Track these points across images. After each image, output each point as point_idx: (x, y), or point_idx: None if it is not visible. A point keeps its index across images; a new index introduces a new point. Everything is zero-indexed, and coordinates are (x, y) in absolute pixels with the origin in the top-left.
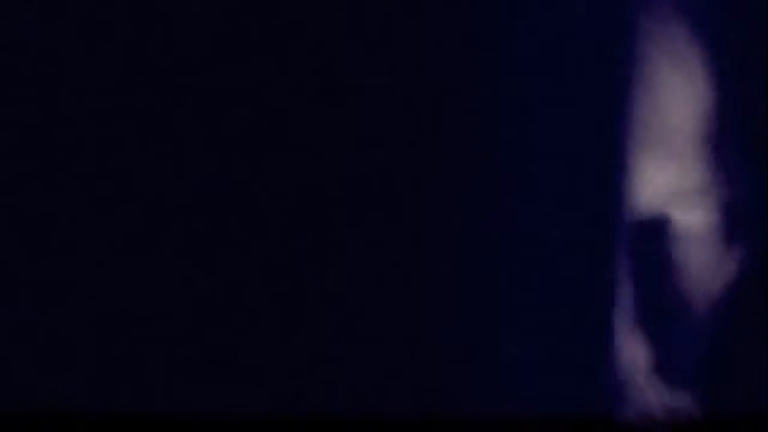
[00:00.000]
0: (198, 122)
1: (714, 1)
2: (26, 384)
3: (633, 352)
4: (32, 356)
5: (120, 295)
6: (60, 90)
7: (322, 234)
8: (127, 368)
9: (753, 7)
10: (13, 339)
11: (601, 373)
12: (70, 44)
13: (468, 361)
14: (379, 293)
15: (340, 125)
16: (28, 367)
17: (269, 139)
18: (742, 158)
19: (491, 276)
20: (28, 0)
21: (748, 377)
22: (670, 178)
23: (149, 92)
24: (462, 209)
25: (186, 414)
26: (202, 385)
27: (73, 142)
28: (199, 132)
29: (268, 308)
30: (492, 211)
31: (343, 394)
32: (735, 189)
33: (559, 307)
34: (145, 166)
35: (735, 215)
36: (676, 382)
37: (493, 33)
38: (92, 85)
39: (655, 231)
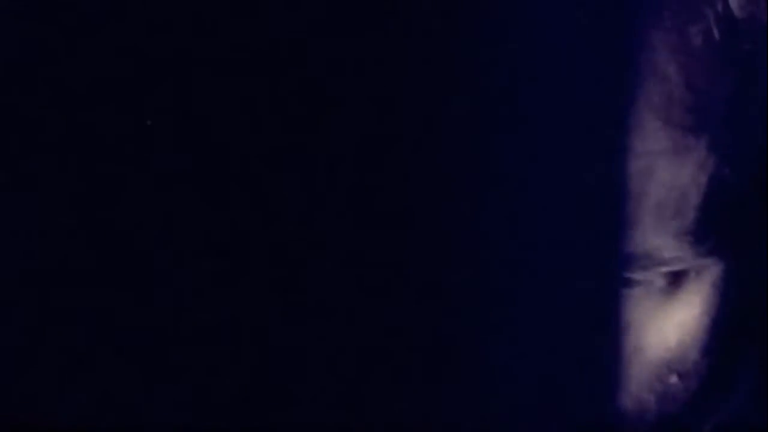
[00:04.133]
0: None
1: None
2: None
3: (651, 351)
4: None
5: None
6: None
7: (319, 232)
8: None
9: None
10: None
11: (619, 373)
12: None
13: (467, 369)
14: (375, 296)
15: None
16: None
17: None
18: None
19: (491, 278)
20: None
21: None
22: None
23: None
24: (460, 210)
25: (183, 423)
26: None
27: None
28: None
29: (252, 309)
30: (491, 211)
31: (334, 401)
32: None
33: (573, 305)
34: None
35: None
36: (686, 391)
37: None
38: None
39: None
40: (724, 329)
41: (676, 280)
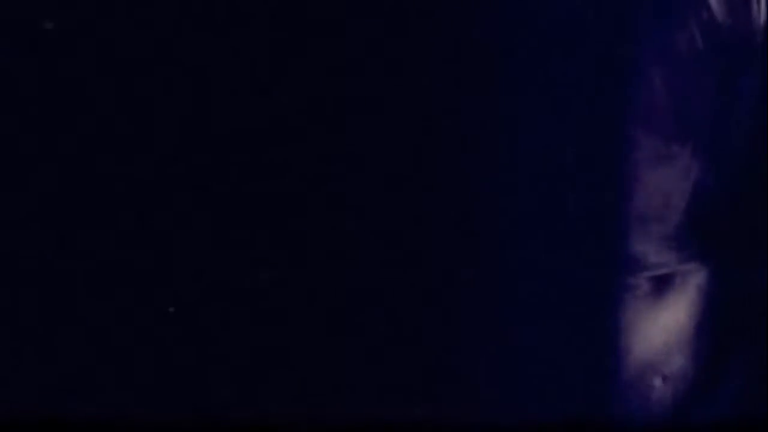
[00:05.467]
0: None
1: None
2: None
3: (636, 355)
4: (33, 359)
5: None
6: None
7: (320, 225)
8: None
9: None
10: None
11: (605, 376)
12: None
13: (466, 364)
14: (376, 292)
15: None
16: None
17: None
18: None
19: (491, 277)
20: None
21: (747, 380)
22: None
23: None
24: (461, 209)
25: (186, 416)
26: (194, 387)
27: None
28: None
29: (260, 305)
30: (491, 210)
31: (335, 395)
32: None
33: (561, 310)
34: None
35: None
36: (679, 386)
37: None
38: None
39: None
40: (709, 333)
41: (662, 284)
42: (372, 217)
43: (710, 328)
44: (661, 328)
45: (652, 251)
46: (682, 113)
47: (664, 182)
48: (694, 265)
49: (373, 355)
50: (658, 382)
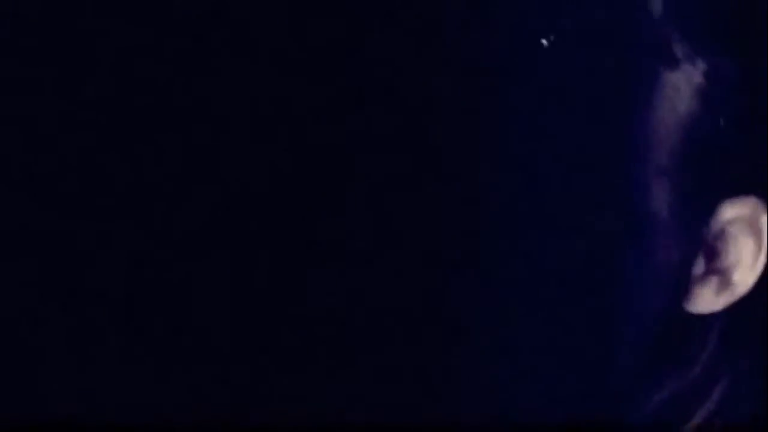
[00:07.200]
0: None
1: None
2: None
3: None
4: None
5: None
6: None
7: (321, 235)
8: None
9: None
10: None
11: (607, 377)
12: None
13: (466, 365)
14: (376, 294)
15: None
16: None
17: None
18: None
19: (491, 280)
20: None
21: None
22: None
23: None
24: (463, 212)
25: (189, 421)
26: (200, 392)
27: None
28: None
29: (261, 312)
30: (493, 213)
31: (335, 398)
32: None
33: (563, 310)
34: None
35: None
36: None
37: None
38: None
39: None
40: None
41: None
42: (367, 208)
43: None
44: None
45: None
46: None
47: None
48: None
49: (375, 354)
50: None
